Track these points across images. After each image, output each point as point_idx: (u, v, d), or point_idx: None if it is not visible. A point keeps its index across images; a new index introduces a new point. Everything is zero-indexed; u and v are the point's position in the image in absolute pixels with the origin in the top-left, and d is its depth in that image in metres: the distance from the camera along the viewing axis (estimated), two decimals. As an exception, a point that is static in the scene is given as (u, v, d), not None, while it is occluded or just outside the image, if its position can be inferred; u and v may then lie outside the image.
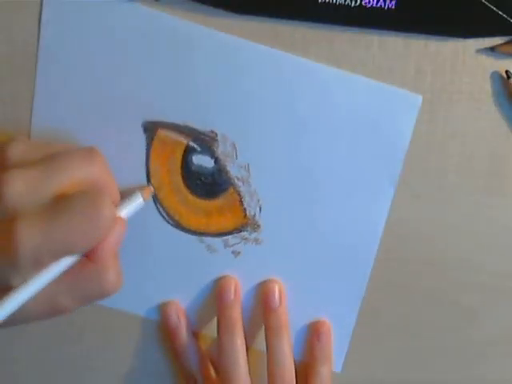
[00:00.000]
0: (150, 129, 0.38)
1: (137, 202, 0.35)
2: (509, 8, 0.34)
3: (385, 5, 0.35)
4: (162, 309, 0.40)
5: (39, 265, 0.30)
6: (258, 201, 0.39)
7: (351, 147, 0.38)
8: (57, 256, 0.30)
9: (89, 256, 0.32)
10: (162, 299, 0.41)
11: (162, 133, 0.38)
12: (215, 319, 0.40)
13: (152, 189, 0.38)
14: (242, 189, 0.39)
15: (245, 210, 0.39)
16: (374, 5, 0.35)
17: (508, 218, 0.39)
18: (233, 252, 0.40)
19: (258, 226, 0.39)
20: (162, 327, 0.41)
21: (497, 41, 0.36)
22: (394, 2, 0.35)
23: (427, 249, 0.39)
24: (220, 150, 0.38)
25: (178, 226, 0.39)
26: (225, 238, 0.40)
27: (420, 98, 0.37)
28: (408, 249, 0.40)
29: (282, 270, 0.40)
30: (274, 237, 0.39)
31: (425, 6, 0.35)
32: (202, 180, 0.38)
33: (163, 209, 0.39)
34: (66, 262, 0.31)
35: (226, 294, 0.39)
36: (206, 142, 0.38)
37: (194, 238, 0.40)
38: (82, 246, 0.31)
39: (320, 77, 0.37)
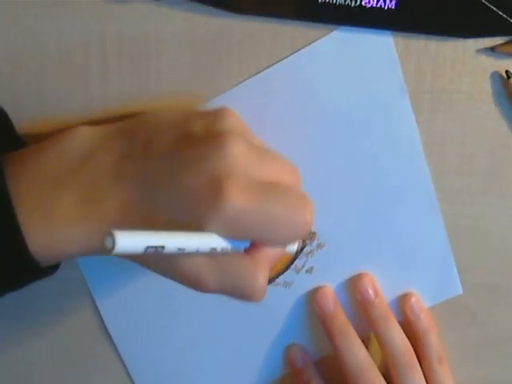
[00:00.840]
0: None
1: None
2: (509, 8, 0.34)
3: (385, 5, 0.35)
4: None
5: (231, 229, 0.29)
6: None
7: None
8: (247, 233, 0.30)
9: (249, 250, 0.31)
10: None
11: None
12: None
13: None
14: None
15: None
16: (374, 5, 0.35)
17: (508, 218, 0.39)
18: (306, 271, 0.40)
19: (314, 233, 0.39)
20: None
21: (497, 41, 0.36)
22: (394, 2, 0.35)
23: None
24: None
25: None
26: (291, 266, 0.40)
27: (460, 290, 0.40)
28: (408, 249, 0.40)
29: (357, 263, 0.40)
30: (332, 234, 0.39)
31: (425, 6, 0.35)
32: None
33: None
34: (239, 245, 0.30)
35: (326, 304, 0.39)
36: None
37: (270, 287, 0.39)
38: (275, 239, 0.30)
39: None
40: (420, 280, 0.40)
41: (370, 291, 0.39)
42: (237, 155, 0.29)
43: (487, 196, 0.39)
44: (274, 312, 0.41)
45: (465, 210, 0.39)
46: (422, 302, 0.40)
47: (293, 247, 0.36)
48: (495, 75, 0.37)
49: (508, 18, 0.35)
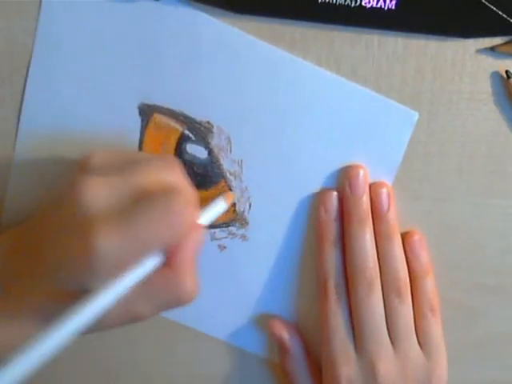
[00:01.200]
0: (146, 112, 0.37)
1: (219, 207, 0.35)
2: (509, 8, 0.34)
3: (385, 5, 0.35)
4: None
5: (118, 267, 0.29)
6: (249, 198, 0.39)
7: (345, 153, 0.38)
8: (136, 257, 0.30)
9: (167, 263, 0.31)
10: None
11: (157, 117, 0.37)
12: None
13: (235, 195, 0.38)
14: (234, 184, 0.38)
15: (234, 204, 0.39)
16: (374, 5, 0.35)
17: (508, 217, 0.39)
18: (219, 246, 0.40)
19: (247, 222, 0.39)
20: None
21: (497, 41, 0.36)
22: (393, 2, 0.35)
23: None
24: (214, 142, 0.38)
25: None
26: (212, 230, 0.39)
27: (416, 114, 0.37)
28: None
29: (266, 270, 0.40)
30: (260, 235, 0.39)
31: (425, 6, 0.35)
32: (194, 170, 0.38)
33: None
34: (144, 268, 0.30)
35: (356, 187, 0.37)
36: (201, 132, 0.38)
37: None
38: (160, 244, 0.30)
39: (320, 81, 0.37)
40: (380, 141, 0.38)
41: (385, 202, 0.37)
42: (93, 198, 0.29)
43: (487, 196, 0.39)
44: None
45: (465, 210, 0.39)
46: (424, 242, 0.38)
47: (207, 219, 0.35)
48: (495, 75, 0.37)
49: (508, 18, 0.35)
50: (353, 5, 0.35)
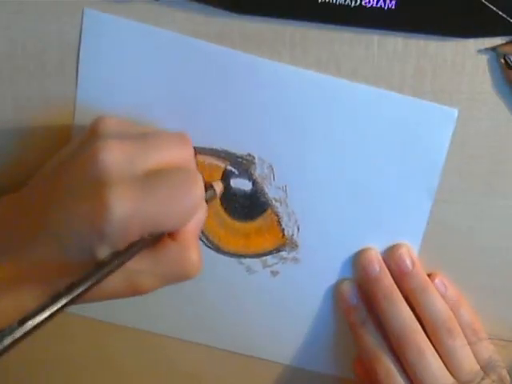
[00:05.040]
0: None
1: (212, 193, 0.36)
2: (509, 8, 0.34)
3: (385, 5, 0.35)
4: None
5: (126, 237, 0.29)
6: (296, 221, 0.39)
7: (389, 164, 0.38)
8: (145, 230, 0.29)
9: (172, 235, 0.31)
10: (201, 322, 0.41)
11: (200, 158, 0.38)
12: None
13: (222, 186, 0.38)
14: (280, 209, 0.39)
15: (283, 230, 0.39)
16: (374, 5, 0.35)
17: (508, 217, 0.39)
18: (272, 272, 0.40)
19: (297, 245, 0.40)
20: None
21: (497, 41, 0.36)
22: (393, 2, 0.35)
23: (427, 249, 0.39)
24: (257, 173, 0.38)
25: (217, 249, 0.40)
26: (263, 258, 0.40)
27: (456, 111, 0.37)
28: (408, 249, 0.40)
29: (320, 289, 0.40)
30: (312, 256, 0.40)
31: (425, 6, 0.35)
32: (240, 202, 0.39)
33: (203, 233, 0.39)
34: (149, 239, 0.30)
35: (372, 267, 0.38)
36: (243, 165, 0.38)
37: (233, 260, 0.40)
38: (171, 222, 0.30)
39: (356, 95, 0.37)
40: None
41: (407, 261, 0.38)
42: (110, 161, 0.29)
43: (487, 196, 0.39)
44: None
45: (465, 210, 0.39)
46: (445, 280, 0.39)
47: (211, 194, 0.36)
48: (495, 75, 0.36)
49: (508, 18, 0.35)
50: (353, 5, 0.35)
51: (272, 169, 0.38)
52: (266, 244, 0.40)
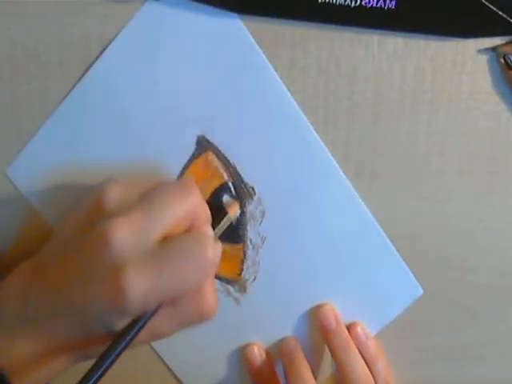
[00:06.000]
0: (203, 145, 0.38)
1: (227, 220, 0.37)
2: (509, 8, 0.34)
3: (385, 5, 0.35)
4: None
5: (145, 309, 0.30)
6: (257, 271, 0.40)
7: (347, 286, 0.40)
8: (163, 299, 0.31)
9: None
10: None
11: (210, 156, 0.38)
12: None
13: (238, 205, 0.38)
14: (250, 252, 0.39)
15: (242, 269, 0.40)
16: (374, 5, 0.35)
17: (508, 218, 0.39)
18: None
19: (245, 290, 0.40)
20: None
21: (497, 41, 0.36)
22: (393, 2, 0.35)
23: (427, 249, 0.39)
24: (250, 208, 0.38)
25: None
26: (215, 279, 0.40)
27: (421, 291, 0.40)
28: (408, 249, 0.40)
29: (247, 337, 0.41)
30: (253, 308, 0.41)
31: (425, 6, 0.35)
32: (220, 220, 0.38)
33: None
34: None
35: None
36: (242, 192, 0.38)
37: None
38: (188, 289, 0.31)
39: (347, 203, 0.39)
40: (378, 296, 0.41)
41: (332, 319, 0.40)
42: (119, 242, 0.30)
43: (487, 196, 0.39)
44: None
45: (465, 210, 0.39)
46: (367, 330, 0.41)
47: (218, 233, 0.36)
48: (495, 75, 0.37)
49: (508, 18, 0.35)
50: (353, 5, 0.35)
51: (263, 215, 0.39)
52: (221, 268, 0.40)
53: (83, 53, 0.36)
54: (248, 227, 0.39)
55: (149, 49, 0.36)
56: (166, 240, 0.31)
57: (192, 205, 0.32)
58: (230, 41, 0.36)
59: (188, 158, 0.38)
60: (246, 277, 0.40)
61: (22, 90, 0.37)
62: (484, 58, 0.36)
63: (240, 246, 0.39)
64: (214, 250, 0.32)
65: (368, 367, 0.40)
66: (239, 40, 0.36)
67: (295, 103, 0.37)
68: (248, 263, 0.40)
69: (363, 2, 0.35)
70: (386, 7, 0.35)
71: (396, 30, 0.36)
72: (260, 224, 0.39)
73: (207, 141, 0.38)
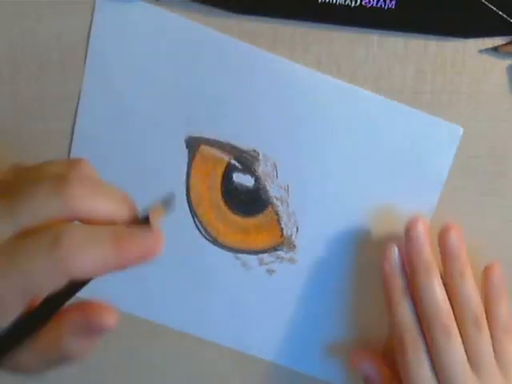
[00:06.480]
0: (193, 145, 0.38)
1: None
2: (509, 8, 0.34)
3: (385, 5, 0.35)
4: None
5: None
6: (296, 221, 0.39)
7: (390, 174, 0.38)
8: (19, 298, 0.27)
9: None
10: (192, 313, 0.41)
11: (204, 149, 0.38)
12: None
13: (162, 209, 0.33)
14: (281, 209, 0.39)
15: (282, 229, 0.39)
16: (374, 5, 0.35)
17: (508, 217, 0.39)
18: (268, 270, 0.40)
19: (294, 246, 0.40)
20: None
21: (497, 41, 0.36)
22: (393, 2, 0.35)
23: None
24: (261, 170, 0.38)
25: (214, 242, 0.40)
26: (260, 255, 0.40)
27: (461, 129, 0.37)
28: (408, 249, 0.40)
29: (316, 291, 0.40)
30: (309, 257, 0.40)
31: (425, 6, 0.35)
32: (241, 198, 0.39)
33: (201, 224, 0.39)
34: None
35: (416, 238, 0.37)
36: (247, 160, 0.38)
37: (229, 254, 0.40)
38: (44, 287, 0.27)
39: (367, 104, 0.37)
40: (426, 157, 0.38)
41: (455, 243, 0.37)
42: None
43: (487, 196, 0.39)
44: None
45: (465, 210, 0.39)
46: (499, 267, 0.38)
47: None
48: (495, 75, 0.36)
49: (508, 18, 0.35)
50: (353, 5, 0.35)
51: (276, 167, 0.38)
52: (263, 241, 0.40)
53: (83, 53, 0.36)
54: (268, 187, 0.38)
55: (115, 64, 0.37)
56: (25, 232, 0.27)
57: (64, 206, 0.27)
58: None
59: (186, 164, 0.38)
60: (289, 233, 0.39)
61: (22, 90, 0.37)
62: (484, 57, 0.36)
63: (269, 209, 0.39)
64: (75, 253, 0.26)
65: (489, 308, 0.37)
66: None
67: (276, 56, 0.37)
68: (284, 219, 0.39)
69: (363, 2, 0.35)
70: (385, 7, 0.35)
71: (396, 30, 0.36)
72: (277, 177, 0.38)
73: (195, 138, 0.38)
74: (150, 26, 0.36)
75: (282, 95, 0.37)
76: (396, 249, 0.38)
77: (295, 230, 0.39)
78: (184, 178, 0.38)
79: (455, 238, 0.37)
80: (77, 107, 0.38)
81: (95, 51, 0.37)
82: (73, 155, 0.38)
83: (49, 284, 0.27)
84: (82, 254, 0.26)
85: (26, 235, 0.27)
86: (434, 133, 0.37)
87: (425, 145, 0.37)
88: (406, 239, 0.37)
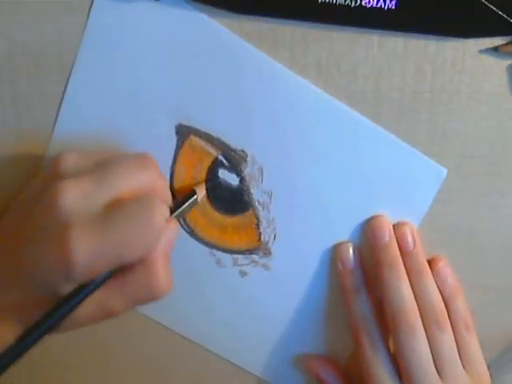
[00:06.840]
0: (183, 133, 0.38)
1: (194, 200, 0.36)
2: (509, 8, 0.34)
3: (385, 5, 0.35)
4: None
5: (91, 273, 0.30)
6: (274, 229, 0.39)
7: (373, 195, 0.38)
8: (109, 264, 0.30)
9: (140, 259, 0.31)
10: (165, 303, 0.41)
11: (193, 139, 0.38)
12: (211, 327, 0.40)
13: (204, 184, 0.38)
14: (261, 213, 0.39)
15: (260, 234, 0.39)
16: (374, 5, 0.35)
17: (508, 217, 0.39)
18: (240, 272, 0.40)
19: (270, 252, 0.40)
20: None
21: (497, 41, 0.36)
22: (394, 2, 0.35)
23: (427, 248, 0.39)
24: (247, 171, 0.38)
25: (192, 234, 0.40)
26: (235, 256, 0.40)
27: (445, 171, 0.38)
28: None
29: (286, 300, 0.40)
30: (283, 266, 0.40)
31: (425, 6, 0.35)
32: (223, 195, 0.39)
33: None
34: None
35: (382, 234, 0.37)
36: (235, 159, 0.38)
37: (205, 249, 0.40)
38: (134, 254, 0.31)
39: (354, 125, 0.37)
40: (406, 194, 0.38)
41: (410, 240, 0.38)
42: (67, 203, 0.30)
43: (487, 196, 0.39)
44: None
45: (465, 210, 0.39)
46: (449, 267, 0.38)
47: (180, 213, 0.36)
48: (495, 75, 0.36)
49: (508, 18, 0.35)
50: (353, 5, 0.35)
51: (262, 171, 0.38)
52: (240, 242, 0.40)
53: (83, 53, 0.36)
54: (251, 190, 0.38)
55: (111, 48, 0.36)
56: (115, 204, 0.31)
57: (146, 179, 0.32)
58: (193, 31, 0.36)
59: (173, 151, 0.38)
60: (266, 238, 0.39)
61: (22, 90, 0.37)
62: (484, 57, 0.36)
63: (250, 211, 0.39)
64: (161, 214, 0.31)
65: (446, 305, 0.37)
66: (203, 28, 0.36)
67: (262, 54, 0.36)
68: (263, 225, 0.39)
69: (363, 2, 0.35)
70: (385, 7, 0.35)
71: (396, 30, 0.36)
72: (262, 182, 0.38)
73: (186, 126, 0.38)
74: (149, 24, 0.36)
75: (278, 104, 0.37)
76: (350, 247, 0.38)
77: (273, 237, 0.39)
78: (170, 164, 0.38)
79: (409, 234, 0.38)
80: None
81: (89, 44, 0.36)
82: (61, 134, 0.38)
83: (142, 250, 0.31)
84: (174, 223, 0.33)
85: (117, 203, 0.31)
86: (418, 169, 0.38)
87: (408, 178, 0.38)
88: (370, 237, 0.38)
